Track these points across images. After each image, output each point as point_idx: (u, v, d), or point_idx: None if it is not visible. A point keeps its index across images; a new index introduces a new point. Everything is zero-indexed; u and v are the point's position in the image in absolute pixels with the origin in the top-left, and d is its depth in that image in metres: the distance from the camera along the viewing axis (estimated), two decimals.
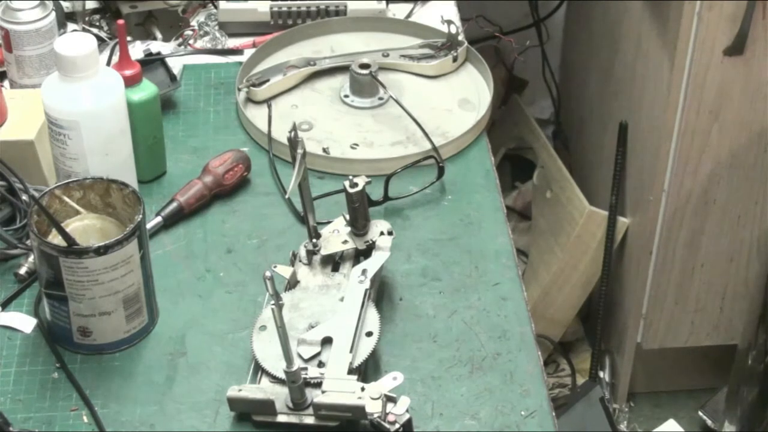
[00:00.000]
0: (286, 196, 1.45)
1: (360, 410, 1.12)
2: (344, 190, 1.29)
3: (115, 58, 1.51)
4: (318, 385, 1.16)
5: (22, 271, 1.34)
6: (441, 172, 1.47)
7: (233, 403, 1.17)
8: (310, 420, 1.15)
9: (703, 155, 1.95)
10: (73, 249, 1.19)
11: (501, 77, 2.51)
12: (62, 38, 1.32)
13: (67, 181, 1.28)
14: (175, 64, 1.59)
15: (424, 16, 1.78)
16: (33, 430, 1.18)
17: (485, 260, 1.38)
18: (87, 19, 1.74)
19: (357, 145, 1.54)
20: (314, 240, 1.32)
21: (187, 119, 1.59)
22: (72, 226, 1.26)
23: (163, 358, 1.26)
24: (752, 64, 1.85)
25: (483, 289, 1.34)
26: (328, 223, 1.35)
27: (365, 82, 1.60)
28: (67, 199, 1.27)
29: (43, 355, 1.26)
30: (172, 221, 1.42)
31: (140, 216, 1.22)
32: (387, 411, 1.12)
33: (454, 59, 1.67)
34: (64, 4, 1.72)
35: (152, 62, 1.57)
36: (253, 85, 1.60)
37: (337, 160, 1.50)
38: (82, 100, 1.32)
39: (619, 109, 2.15)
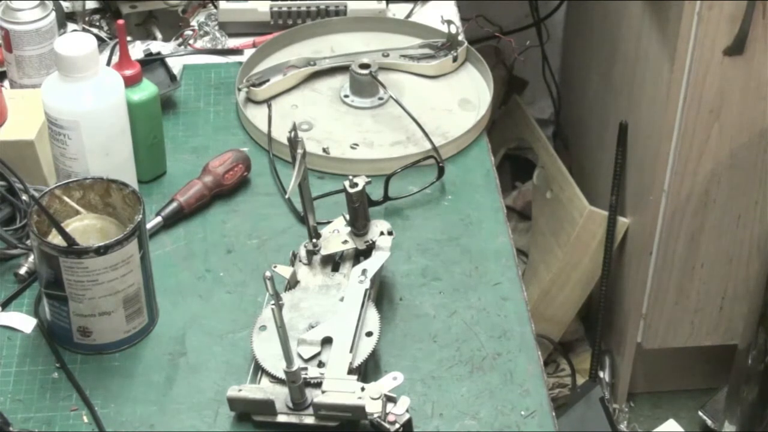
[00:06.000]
0: (286, 196, 1.45)
1: (360, 410, 1.12)
2: (344, 190, 1.29)
3: (115, 58, 1.51)
4: (318, 385, 1.16)
5: (22, 271, 1.34)
6: (441, 172, 1.47)
7: (233, 403, 1.17)
8: (310, 420, 1.15)
9: (703, 155, 1.95)
10: (73, 249, 1.19)
11: (501, 77, 2.51)
12: (62, 38, 1.32)
13: (67, 181, 1.28)
14: (175, 64, 1.59)
15: (424, 16, 1.78)
16: (33, 430, 1.18)
17: (485, 260, 1.38)
18: (87, 19, 1.74)
19: (357, 145, 1.54)
20: (314, 240, 1.32)
21: (187, 119, 1.59)
22: (72, 226, 1.26)
23: (163, 358, 1.26)
24: (752, 64, 1.85)
25: (483, 289, 1.34)
26: (328, 223, 1.35)
27: (365, 82, 1.60)
28: (67, 199, 1.27)
29: (43, 355, 1.26)
30: (172, 221, 1.42)
31: (140, 216, 1.22)
32: (387, 411, 1.12)
33: (454, 59, 1.67)
34: (64, 4, 1.72)
35: (152, 62, 1.57)
36: (253, 85, 1.60)
37: (337, 160, 1.50)
38: (82, 100, 1.32)
39: (619, 109, 2.15)
